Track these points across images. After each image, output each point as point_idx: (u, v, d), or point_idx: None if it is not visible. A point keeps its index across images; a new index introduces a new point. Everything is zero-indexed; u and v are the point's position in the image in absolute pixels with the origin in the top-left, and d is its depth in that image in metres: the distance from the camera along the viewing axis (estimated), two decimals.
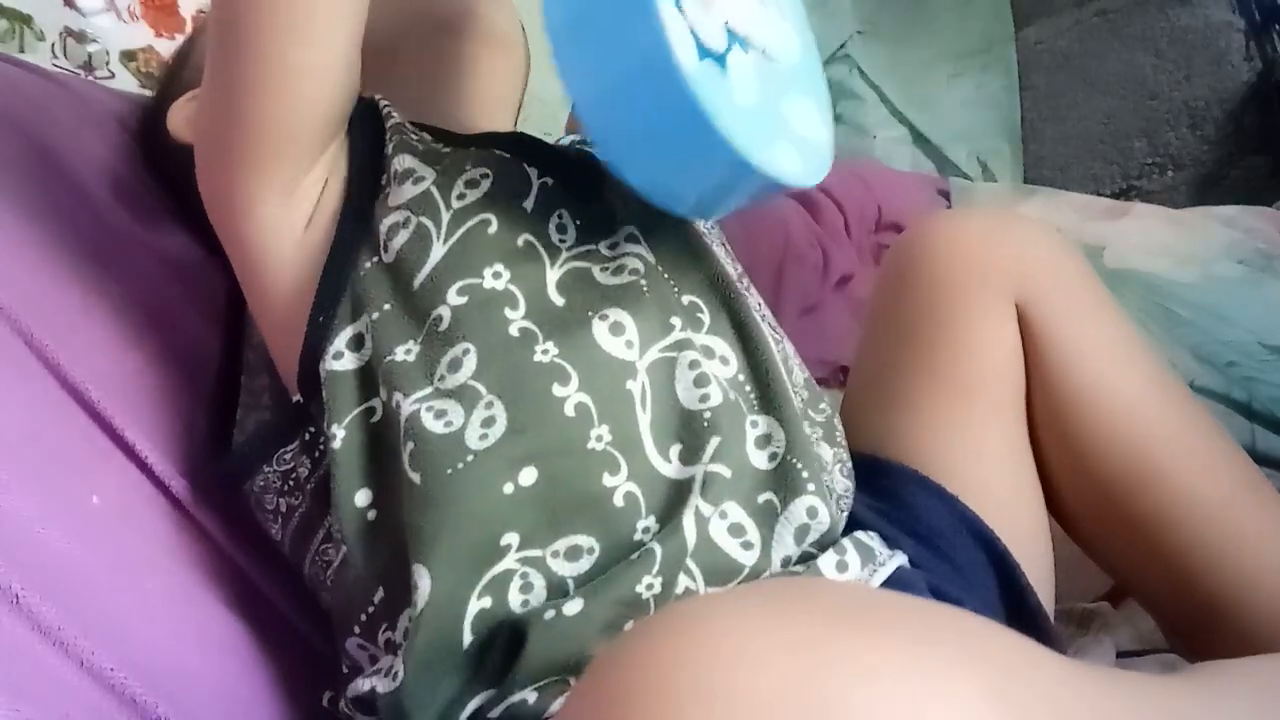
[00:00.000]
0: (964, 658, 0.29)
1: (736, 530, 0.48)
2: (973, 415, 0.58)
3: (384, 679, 0.45)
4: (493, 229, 0.53)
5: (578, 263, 0.54)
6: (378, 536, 0.48)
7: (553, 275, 0.53)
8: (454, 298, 0.51)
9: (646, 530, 0.47)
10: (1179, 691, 0.39)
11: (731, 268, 0.59)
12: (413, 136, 0.58)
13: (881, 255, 1.11)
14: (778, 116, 0.50)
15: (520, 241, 0.53)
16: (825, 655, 0.27)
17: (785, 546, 0.49)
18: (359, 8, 0.51)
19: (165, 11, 1.00)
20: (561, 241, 0.55)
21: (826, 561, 0.49)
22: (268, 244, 0.53)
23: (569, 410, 0.49)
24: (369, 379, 0.50)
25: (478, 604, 0.45)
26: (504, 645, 0.44)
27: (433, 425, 0.47)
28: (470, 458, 0.47)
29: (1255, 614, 0.55)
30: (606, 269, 0.54)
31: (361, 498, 0.48)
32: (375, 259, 0.53)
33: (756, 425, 0.51)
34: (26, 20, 0.88)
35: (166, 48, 0.98)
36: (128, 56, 0.96)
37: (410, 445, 0.47)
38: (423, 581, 0.44)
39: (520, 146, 0.59)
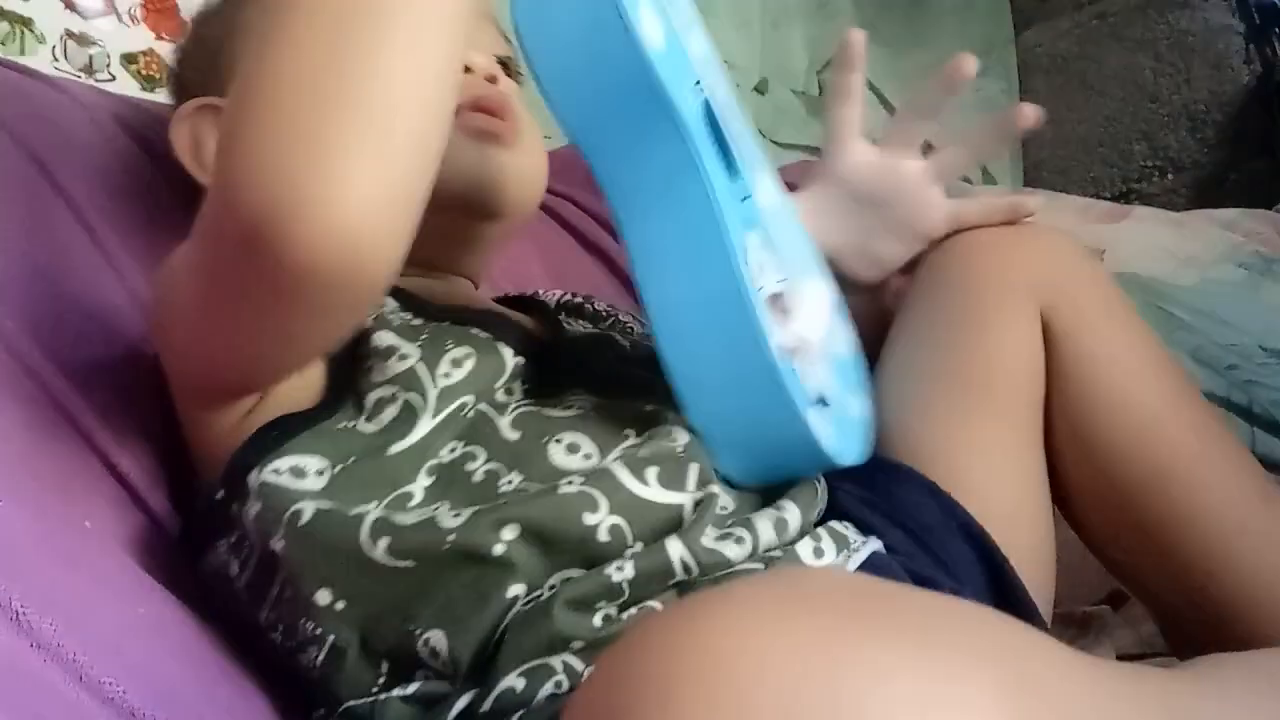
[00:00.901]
0: (976, 653, 0.29)
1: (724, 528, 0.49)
2: (985, 416, 0.59)
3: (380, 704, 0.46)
4: (469, 413, 0.53)
5: (527, 407, 0.55)
6: (360, 622, 0.48)
7: (505, 421, 0.54)
8: (424, 478, 0.51)
9: (632, 553, 0.48)
10: (1184, 684, 0.39)
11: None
12: (386, 309, 0.57)
13: None
14: (842, 407, 0.55)
15: (475, 414, 0.54)
16: (835, 654, 0.27)
17: (766, 538, 0.50)
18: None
19: (166, 14, 1.00)
20: (509, 396, 0.56)
21: (804, 548, 0.50)
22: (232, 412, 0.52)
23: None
24: (313, 497, 0.49)
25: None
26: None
27: (404, 518, 0.47)
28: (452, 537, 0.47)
29: (1261, 618, 0.55)
30: (555, 406, 0.55)
31: (323, 596, 0.48)
32: (352, 423, 0.52)
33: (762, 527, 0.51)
34: (27, 23, 0.88)
35: (167, 50, 0.98)
36: (129, 59, 0.96)
37: (385, 540, 0.47)
38: (441, 645, 0.46)
39: (495, 325, 0.58)
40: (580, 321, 0.68)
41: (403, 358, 0.53)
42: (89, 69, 0.92)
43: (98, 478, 0.55)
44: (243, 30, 0.61)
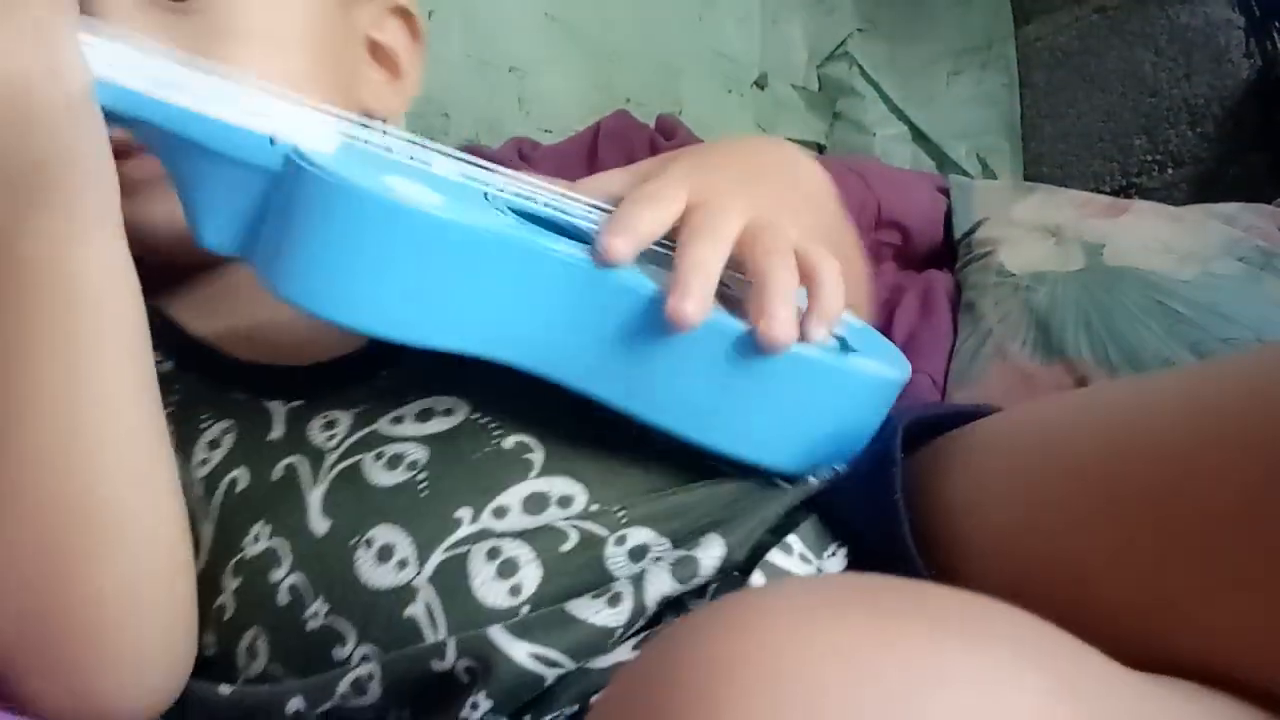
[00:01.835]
0: (1023, 655, 0.28)
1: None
2: None
3: None
4: (242, 485, 0.48)
5: (348, 460, 0.47)
6: None
7: (316, 497, 0.46)
8: (229, 581, 0.46)
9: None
10: (1226, 699, 0.37)
11: None
12: None
13: (881, 253, 1.11)
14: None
15: (276, 476, 0.47)
16: (886, 657, 0.26)
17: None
18: None
19: None
20: (330, 440, 0.48)
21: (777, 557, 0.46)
22: None
23: (354, 675, 0.43)
24: None
25: None
26: None
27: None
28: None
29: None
30: (381, 457, 0.47)
31: None
32: None
33: (624, 540, 0.45)
34: None
35: None
36: None
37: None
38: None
39: (261, 378, 0.51)
40: None
41: None
42: None
43: None
44: None
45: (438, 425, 0.48)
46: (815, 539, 0.48)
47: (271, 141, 0.42)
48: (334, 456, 0.47)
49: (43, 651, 0.41)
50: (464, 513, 0.45)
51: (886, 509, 0.45)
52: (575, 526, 0.45)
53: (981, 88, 1.48)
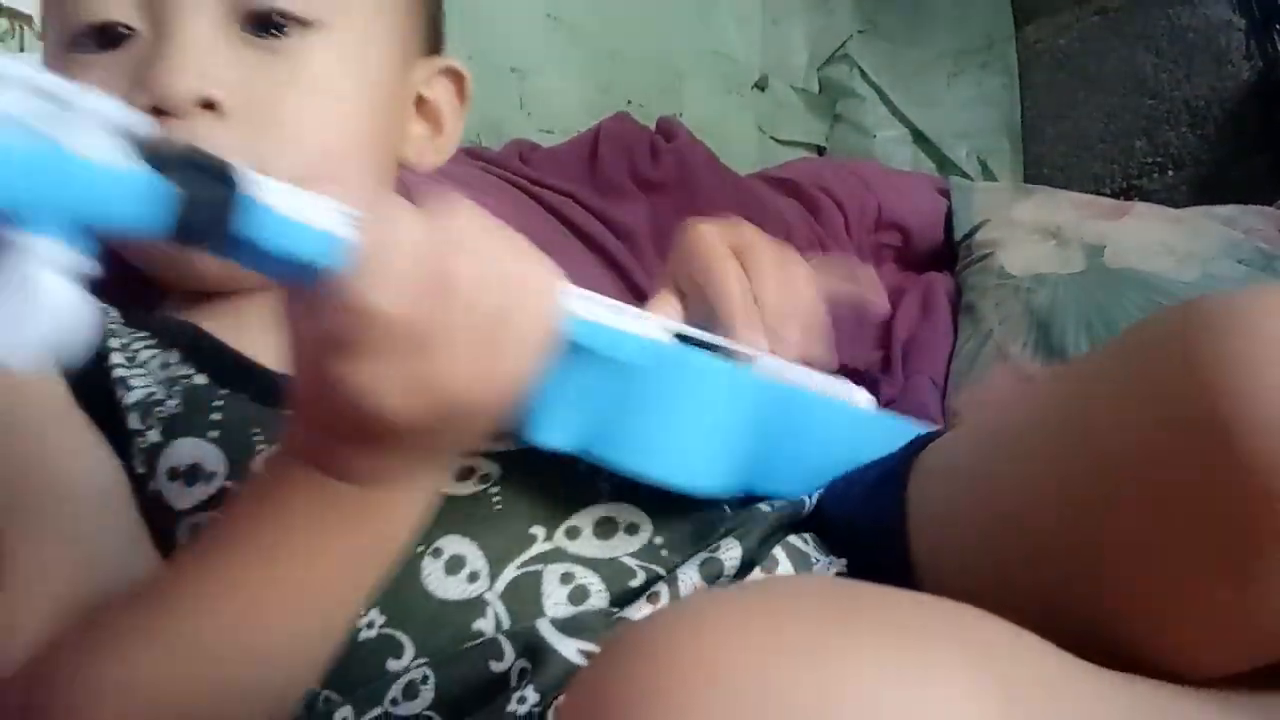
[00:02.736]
0: (964, 655, 0.29)
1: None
2: None
3: None
4: None
5: None
6: None
7: None
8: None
9: None
10: (1184, 692, 0.38)
11: None
12: (158, 375, 0.50)
13: (881, 254, 1.12)
14: None
15: None
16: (823, 657, 0.27)
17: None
18: None
19: None
20: None
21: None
22: None
23: (408, 679, 0.42)
24: None
25: None
26: None
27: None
28: None
29: None
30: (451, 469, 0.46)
31: None
32: None
33: (675, 580, 0.45)
34: (27, 20, 0.88)
35: None
36: None
37: None
38: None
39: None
40: None
41: (209, 477, 0.46)
42: None
43: None
44: None
45: (508, 441, 0.47)
46: (815, 545, 0.49)
47: (643, 341, 0.45)
48: None
49: None
50: (538, 530, 0.46)
51: (889, 522, 0.47)
52: (642, 567, 0.46)
53: (982, 89, 1.48)
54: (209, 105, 0.50)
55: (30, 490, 0.44)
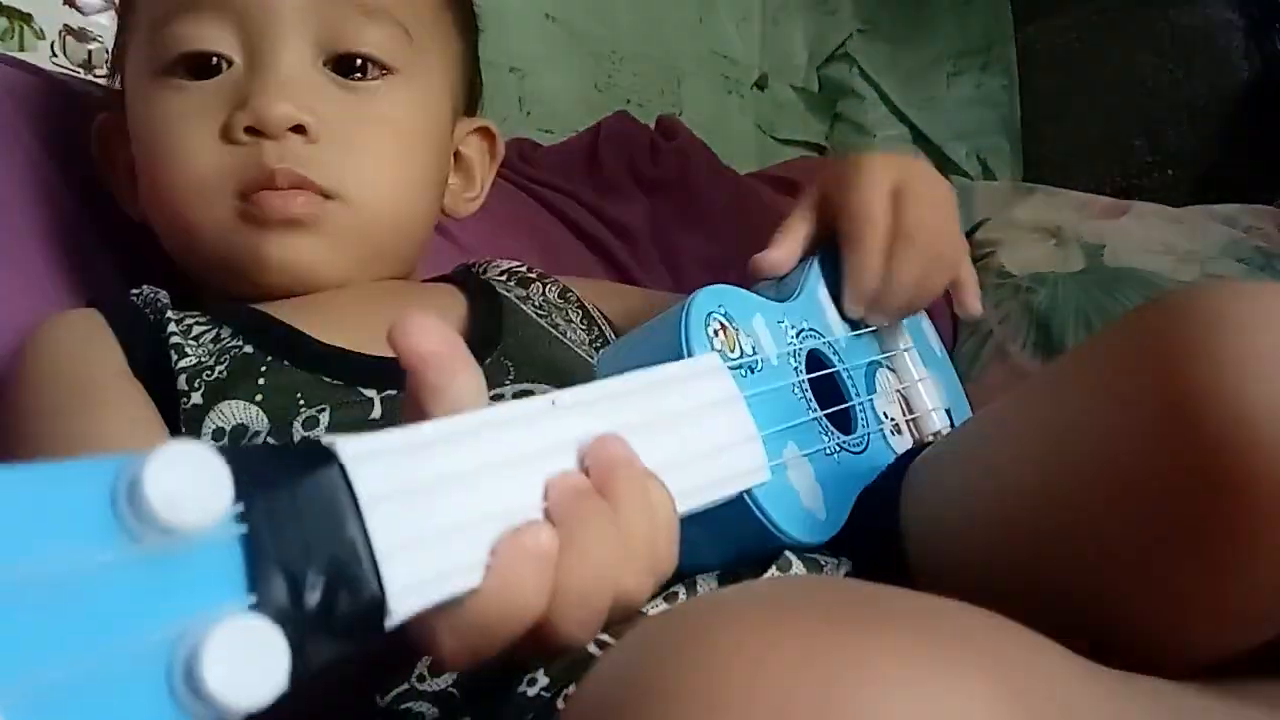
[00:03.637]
0: (974, 657, 0.28)
1: None
2: None
3: None
4: None
5: None
6: None
7: None
8: None
9: None
10: (1195, 692, 0.38)
11: None
12: (201, 343, 0.53)
13: None
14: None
15: None
16: (831, 657, 0.26)
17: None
18: None
19: None
20: None
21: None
22: None
23: None
24: None
25: None
26: None
27: None
28: None
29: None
30: None
31: None
32: None
33: (702, 579, 0.48)
34: (26, 19, 0.88)
35: None
36: None
37: None
38: None
39: (354, 367, 0.53)
40: (528, 303, 0.63)
41: (252, 439, 0.49)
42: (88, 64, 0.92)
43: None
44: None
45: None
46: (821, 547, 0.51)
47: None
48: None
49: None
50: None
51: (884, 524, 0.48)
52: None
53: (981, 89, 1.48)
54: (299, 129, 0.55)
55: (89, 452, 0.44)
